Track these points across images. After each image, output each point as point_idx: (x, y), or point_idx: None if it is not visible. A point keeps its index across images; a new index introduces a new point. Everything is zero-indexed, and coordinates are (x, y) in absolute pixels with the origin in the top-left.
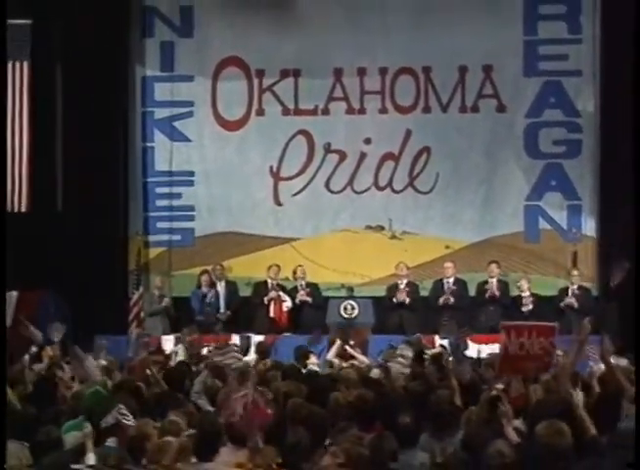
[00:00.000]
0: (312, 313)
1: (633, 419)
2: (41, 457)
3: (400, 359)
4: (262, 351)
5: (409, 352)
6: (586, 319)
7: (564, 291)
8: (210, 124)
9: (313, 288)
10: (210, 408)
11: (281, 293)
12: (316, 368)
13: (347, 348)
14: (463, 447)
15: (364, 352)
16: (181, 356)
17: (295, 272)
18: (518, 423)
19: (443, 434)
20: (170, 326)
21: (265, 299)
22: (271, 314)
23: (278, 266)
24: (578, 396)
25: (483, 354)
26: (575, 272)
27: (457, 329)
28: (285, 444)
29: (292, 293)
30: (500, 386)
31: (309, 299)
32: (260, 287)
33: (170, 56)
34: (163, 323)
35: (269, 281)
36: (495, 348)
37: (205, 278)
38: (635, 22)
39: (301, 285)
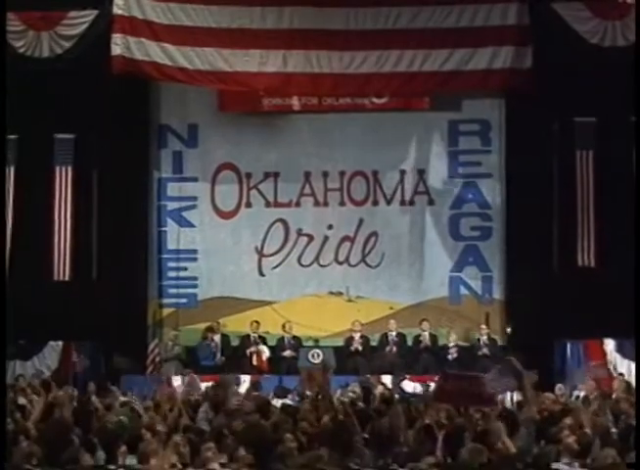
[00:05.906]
0: (289, 359)
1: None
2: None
3: (350, 394)
4: (255, 385)
5: (357, 389)
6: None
7: (477, 341)
8: (210, 214)
9: (297, 340)
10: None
11: (260, 345)
12: (290, 402)
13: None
14: (402, 461)
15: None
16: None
17: (284, 327)
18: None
19: (386, 451)
20: (182, 369)
21: (247, 351)
22: (254, 362)
23: (257, 322)
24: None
25: (418, 391)
26: (484, 327)
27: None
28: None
29: (279, 342)
30: (433, 416)
31: (295, 354)
32: (245, 339)
33: (180, 162)
34: (176, 366)
35: (251, 335)
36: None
37: (207, 332)
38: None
39: (288, 337)
